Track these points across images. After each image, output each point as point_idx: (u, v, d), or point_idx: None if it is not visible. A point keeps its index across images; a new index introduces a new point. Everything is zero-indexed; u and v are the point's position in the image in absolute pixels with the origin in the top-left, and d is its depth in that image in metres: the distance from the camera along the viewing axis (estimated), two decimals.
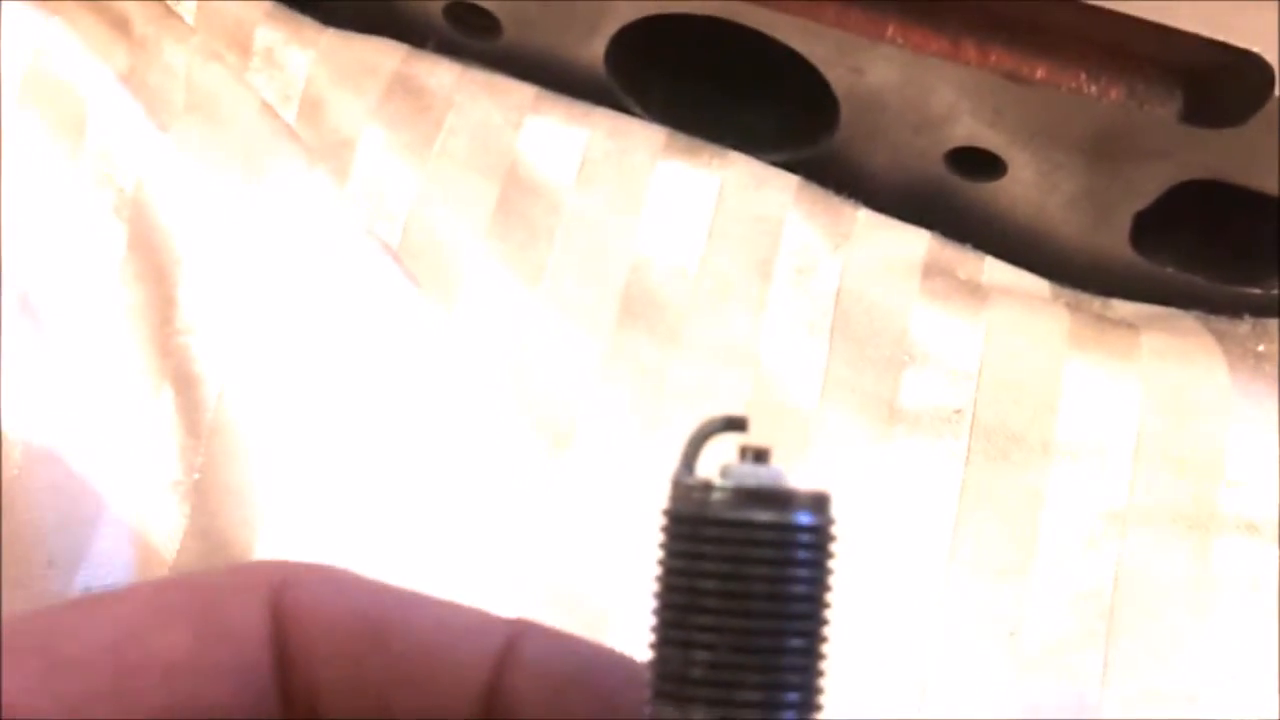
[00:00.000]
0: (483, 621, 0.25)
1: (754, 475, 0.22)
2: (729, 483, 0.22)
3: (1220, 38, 0.42)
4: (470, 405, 0.44)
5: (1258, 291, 0.47)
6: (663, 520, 0.22)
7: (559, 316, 0.45)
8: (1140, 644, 0.42)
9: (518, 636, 0.25)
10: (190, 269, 0.44)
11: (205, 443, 0.43)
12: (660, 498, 0.22)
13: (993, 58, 0.44)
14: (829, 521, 0.22)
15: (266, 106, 0.46)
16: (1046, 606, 0.43)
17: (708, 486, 0.22)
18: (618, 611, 0.42)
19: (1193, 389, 0.45)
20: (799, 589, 0.22)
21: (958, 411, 0.44)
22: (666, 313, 0.45)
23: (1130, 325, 0.46)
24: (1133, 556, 0.43)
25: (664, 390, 0.44)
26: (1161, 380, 0.45)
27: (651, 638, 0.22)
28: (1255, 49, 0.41)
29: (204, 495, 0.42)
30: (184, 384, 0.43)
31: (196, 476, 0.43)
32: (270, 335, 0.44)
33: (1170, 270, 0.47)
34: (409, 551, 0.43)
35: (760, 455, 0.22)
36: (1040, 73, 0.44)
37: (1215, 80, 0.43)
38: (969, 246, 0.47)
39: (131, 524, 0.42)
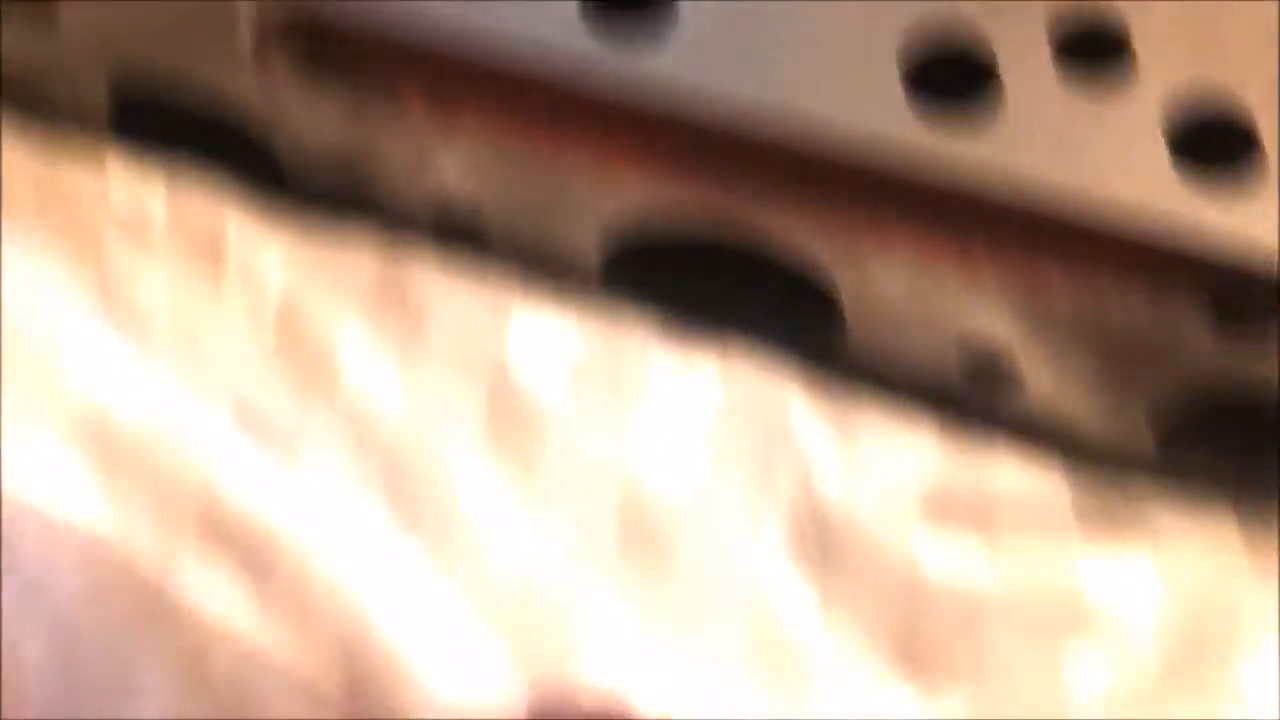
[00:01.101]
0: None
1: None
2: None
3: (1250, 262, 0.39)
4: (465, 640, 0.43)
5: None
6: None
7: (558, 541, 0.44)
8: None
9: None
10: None
11: None
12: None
13: (1008, 264, 0.42)
14: None
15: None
16: None
17: None
18: None
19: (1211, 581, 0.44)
20: None
21: None
22: (660, 536, 0.44)
23: (1147, 513, 0.45)
24: None
25: (663, 617, 0.43)
26: (1179, 572, 0.44)
27: None
28: None
29: None
30: None
31: None
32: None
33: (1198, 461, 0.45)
34: None
35: None
36: (1058, 276, 0.42)
37: (1244, 285, 0.40)
38: (981, 443, 0.45)
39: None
